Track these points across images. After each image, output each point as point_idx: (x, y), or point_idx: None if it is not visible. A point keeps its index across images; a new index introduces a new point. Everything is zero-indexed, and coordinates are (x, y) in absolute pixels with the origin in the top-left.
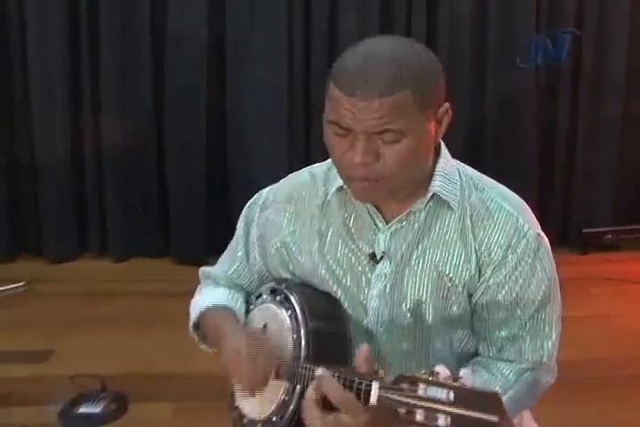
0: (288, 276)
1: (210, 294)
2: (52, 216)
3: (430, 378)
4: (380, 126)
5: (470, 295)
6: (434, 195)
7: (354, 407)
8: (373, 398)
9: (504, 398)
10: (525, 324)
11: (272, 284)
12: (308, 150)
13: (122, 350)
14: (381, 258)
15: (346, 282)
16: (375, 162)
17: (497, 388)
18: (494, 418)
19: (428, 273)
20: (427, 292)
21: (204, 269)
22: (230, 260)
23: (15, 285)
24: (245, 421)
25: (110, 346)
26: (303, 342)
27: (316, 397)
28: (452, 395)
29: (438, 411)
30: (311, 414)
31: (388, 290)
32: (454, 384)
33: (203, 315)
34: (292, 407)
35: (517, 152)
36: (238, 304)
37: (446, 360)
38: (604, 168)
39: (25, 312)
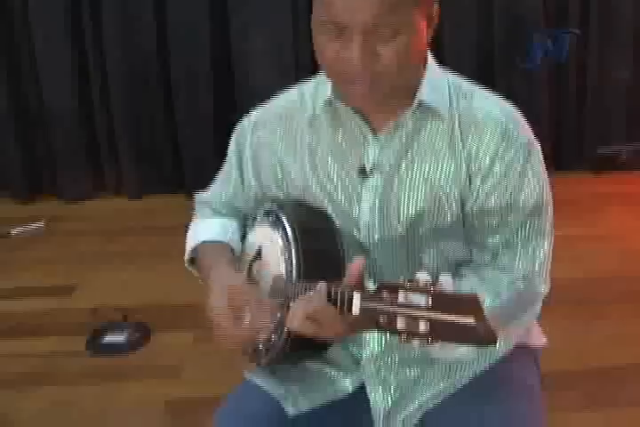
0: (282, 195)
1: (202, 228)
2: (66, 158)
3: (409, 285)
4: (376, 19)
5: (463, 204)
6: (421, 103)
7: (332, 320)
8: (355, 309)
9: (492, 306)
10: (517, 231)
11: (266, 205)
12: None
13: (141, 283)
14: (371, 171)
15: (337, 197)
16: (372, 61)
17: (485, 293)
18: (471, 320)
19: (419, 184)
20: (418, 203)
21: (199, 196)
22: (225, 184)
23: (35, 224)
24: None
25: (130, 280)
26: (294, 261)
27: (305, 306)
28: (430, 300)
29: (418, 317)
30: (294, 313)
31: (379, 204)
32: (433, 289)
33: (196, 251)
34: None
35: (529, 80)
36: (230, 234)
37: (441, 271)
38: (617, 87)
39: (46, 250)
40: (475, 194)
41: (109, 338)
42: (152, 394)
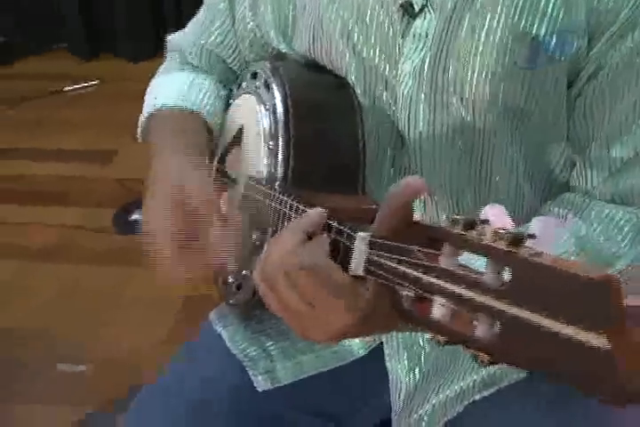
0: (283, 48)
1: (162, 87)
2: (127, 16)
3: (467, 234)
4: None
5: (572, 80)
6: None
7: (348, 292)
8: (355, 265)
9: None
10: None
11: (255, 64)
12: None
13: None
14: (421, 9)
15: (366, 50)
16: None
17: (603, 256)
18: (602, 343)
19: (500, 34)
20: (495, 67)
21: (172, 37)
22: (208, 19)
23: (88, 83)
24: None
25: None
26: (280, 155)
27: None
28: (506, 275)
29: (479, 307)
30: (261, 272)
31: (429, 63)
32: (516, 252)
33: (150, 122)
34: None
35: None
36: (202, 97)
37: (525, 197)
38: None
39: (93, 112)
40: (595, 61)
41: (138, 215)
42: (173, 287)
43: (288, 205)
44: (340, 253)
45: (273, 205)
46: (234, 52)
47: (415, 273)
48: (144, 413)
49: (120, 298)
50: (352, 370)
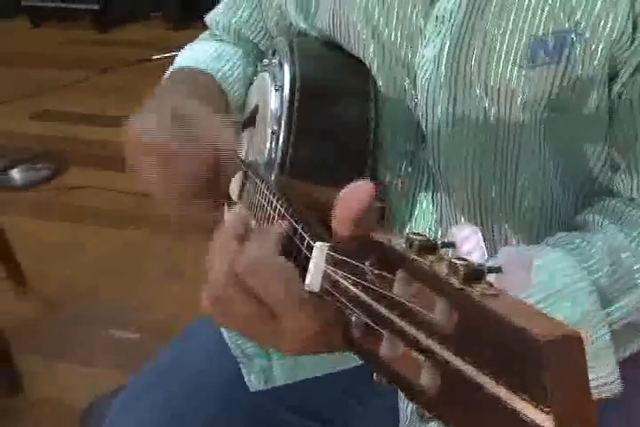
0: (305, 26)
1: (189, 51)
2: None
3: (421, 260)
4: None
5: (614, 72)
6: None
7: (291, 302)
8: (310, 280)
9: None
10: None
11: (277, 41)
12: None
13: None
14: None
15: (387, 32)
16: None
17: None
18: (547, 423)
19: (532, 15)
20: (523, 51)
21: (207, 17)
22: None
23: (176, 52)
24: None
25: None
26: (281, 140)
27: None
28: (455, 317)
29: (424, 350)
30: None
31: (449, 46)
32: (468, 290)
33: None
34: None
35: None
36: (224, 63)
37: (556, 200)
38: None
39: None
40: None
41: None
42: None
43: (272, 205)
44: (301, 264)
45: (260, 200)
46: (260, 31)
47: (366, 299)
48: (131, 403)
49: (183, 269)
50: (354, 375)
